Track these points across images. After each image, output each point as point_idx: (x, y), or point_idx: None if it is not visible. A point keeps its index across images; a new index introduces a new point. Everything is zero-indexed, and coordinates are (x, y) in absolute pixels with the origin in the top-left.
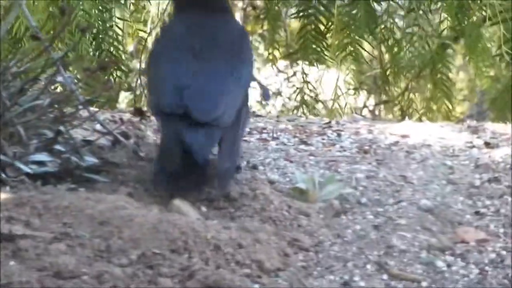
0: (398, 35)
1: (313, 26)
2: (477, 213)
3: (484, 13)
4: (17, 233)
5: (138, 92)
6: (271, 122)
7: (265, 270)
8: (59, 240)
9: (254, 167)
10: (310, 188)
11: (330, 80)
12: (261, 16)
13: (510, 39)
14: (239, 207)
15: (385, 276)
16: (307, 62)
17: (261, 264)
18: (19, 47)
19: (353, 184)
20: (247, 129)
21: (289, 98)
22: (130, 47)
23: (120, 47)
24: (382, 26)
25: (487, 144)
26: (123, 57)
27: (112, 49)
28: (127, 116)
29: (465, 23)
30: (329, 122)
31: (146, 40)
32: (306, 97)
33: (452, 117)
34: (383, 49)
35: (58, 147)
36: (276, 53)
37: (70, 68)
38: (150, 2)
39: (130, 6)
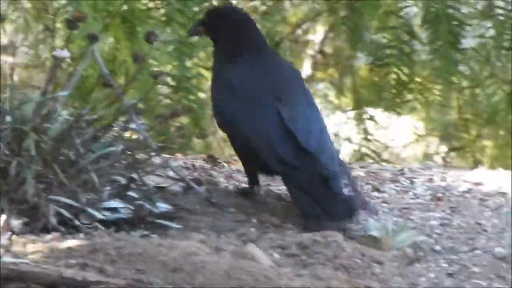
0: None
1: (394, 76)
2: None
3: None
4: (91, 280)
5: (210, 139)
6: None
7: None
8: (132, 286)
9: None
10: (383, 235)
11: (400, 126)
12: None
13: None
14: (311, 255)
15: None
16: (380, 109)
17: None
18: (92, 95)
19: (427, 232)
20: None
21: (359, 145)
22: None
23: (194, 95)
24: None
25: None
26: (196, 104)
27: (190, 96)
28: (199, 162)
29: None
30: (402, 169)
31: None
32: (376, 144)
33: None
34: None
35: (131, 193)
36: (345, 99)
37: (143, 115)
38: None
39: None
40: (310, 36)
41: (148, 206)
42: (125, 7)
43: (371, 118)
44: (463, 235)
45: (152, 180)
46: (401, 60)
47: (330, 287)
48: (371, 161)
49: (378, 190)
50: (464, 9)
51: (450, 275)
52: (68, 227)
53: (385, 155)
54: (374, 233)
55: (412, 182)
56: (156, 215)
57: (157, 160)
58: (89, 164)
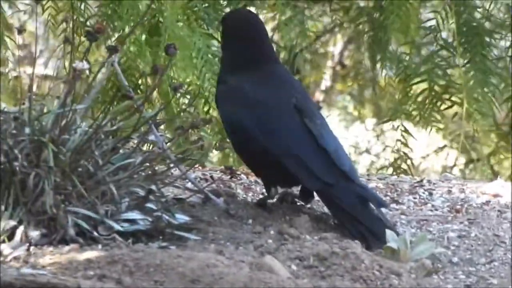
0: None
1: (432, 90)
2: None
3: None
4: None
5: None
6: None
7: None
8: None
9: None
10: (401, 247)
11: (418, 138)
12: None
13: None
14: (329, 266)
15: None
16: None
17: None
18: (111, 106)
19: (445, 244)
20: None
21: (377, 156)
22: None
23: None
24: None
25: None
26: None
27: (207, 108)
28: (217, 174)
29: None
30: (421, 180)
31: None
32: (400, 155)
33: None
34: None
35: (149, 205)
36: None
37: (162, 127)
38: None
39: None
40: (330, 48)
41: (166, 217)
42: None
43: (406, 130)
44: (481, 247)
45: (170, 192)
46: (438, 75)
47: None
48: (389, 172)
49: (396, 202)
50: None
51: (468, 286)
52: (86, 239)
53: (404, 167)
54: (392, 244)
55: (430, 194)
56: (174, 226)
57: (175, 171)
58: (108, 175)
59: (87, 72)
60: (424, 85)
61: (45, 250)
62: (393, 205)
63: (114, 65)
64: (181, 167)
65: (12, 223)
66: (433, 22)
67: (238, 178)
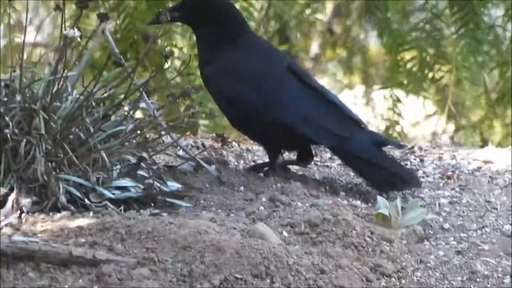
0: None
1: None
2: None
3: None
4: (101, 258)
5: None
6: None
7: None
8: (142, 265)
9: (335, 192)
10: (393, 214)
11: (408, 105)
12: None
13: None
14: (320, 233)
15: None
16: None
17: None
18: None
19: (436, 210)
20: (329, 155)
21: (368, 124)
22: None
23: None
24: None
25: None
26: None
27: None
28: (209, 142)
29: None
30: (412, 147)
31: None
32: (391, 123)
33: None
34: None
35: (141, 172)
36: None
37: (153, 95)
38: None
39: None
40: (318, 16)
41: (158, 184)
42: None
43: (397, 98)
44: (473, 213)
45: (162, 159)
46: (427, 42)
47: (339, 265)
48: None
49: None
50: None
51: (459, 252)
52: (77, 206)
53: (394, 134)
54: (384, 211)
55: (422, 161)
56: (166, 193)
57: (167, 139)
58: (99, 143)
59: (78, 39)
60: (413, 53)
61: (37, 218)
62: None
63: (104, 33)
64: (173, 135)
65: (4, 190)
66: None
67: (230, 145)
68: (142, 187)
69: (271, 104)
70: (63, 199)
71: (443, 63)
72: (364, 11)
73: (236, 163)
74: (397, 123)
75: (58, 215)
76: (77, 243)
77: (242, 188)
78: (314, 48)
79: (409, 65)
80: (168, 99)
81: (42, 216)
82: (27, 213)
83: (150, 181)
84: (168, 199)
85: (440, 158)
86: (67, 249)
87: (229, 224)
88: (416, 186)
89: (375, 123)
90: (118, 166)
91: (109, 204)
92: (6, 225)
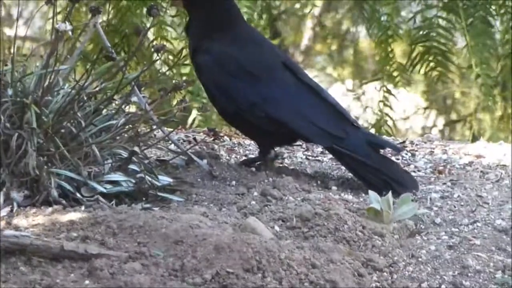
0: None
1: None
2: None
3: None
4: (92, 253)
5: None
6: None
7: None
8: (133, 259)
9: (326, 187)
10: (384, 208)
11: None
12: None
13: None
14: (312, 227)
15: None
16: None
17: (335, 284)
18: (93, 68)
19: (428, 205)
20: (320, 149)
21: (358, 118)
22: None
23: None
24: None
25: None
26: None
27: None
28: (201, 136)
29: None
30: (404, 141)
31: None
32: (382, 117)
33: None
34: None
35: (132, 166)
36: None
37: (145, 89)
38: None
39: None
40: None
41: (149, 179)
42: None
43: (388, 91)
44: (464, 208)
45: (153, 153)
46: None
47: (331, 259)
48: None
49: None
50: None
51: (450, 247)
52: (69, 200)
53: (386, 128)
54: (375, 205)
55: (413, 155)
56: (157, 188)
57: (159, 133)
58: (91, 137)
59: (70, 33)
60: (404, 47)
61: (28, 212)
62: None
63: (96, 26)
64: (164, 129)
65: None
66: None
67: (221, 140)
68: (133, 181)
69: (266, 99)
70: (54, 193)
71: (436, 56)
72: (354, 4)
73: (228, 158)
74: (388, 116)
75: (49, 209)
76: (68, 237)
77: (233, 182)
78: (305, 41)
79: (399, 58)
80: (160, 94)
81: (34, 210)
82: (19, 207)
83: (142, 175)
84: (159, 194)
85: (431, 153)
86: (59, 243)
87: (221, 218)
88: (414, 189)
89: (365, 117)
90: (110, 160)
91: (100, 198)
92: None
